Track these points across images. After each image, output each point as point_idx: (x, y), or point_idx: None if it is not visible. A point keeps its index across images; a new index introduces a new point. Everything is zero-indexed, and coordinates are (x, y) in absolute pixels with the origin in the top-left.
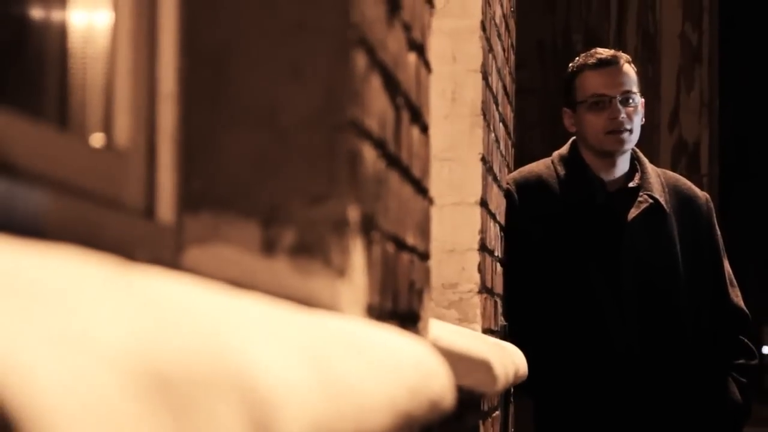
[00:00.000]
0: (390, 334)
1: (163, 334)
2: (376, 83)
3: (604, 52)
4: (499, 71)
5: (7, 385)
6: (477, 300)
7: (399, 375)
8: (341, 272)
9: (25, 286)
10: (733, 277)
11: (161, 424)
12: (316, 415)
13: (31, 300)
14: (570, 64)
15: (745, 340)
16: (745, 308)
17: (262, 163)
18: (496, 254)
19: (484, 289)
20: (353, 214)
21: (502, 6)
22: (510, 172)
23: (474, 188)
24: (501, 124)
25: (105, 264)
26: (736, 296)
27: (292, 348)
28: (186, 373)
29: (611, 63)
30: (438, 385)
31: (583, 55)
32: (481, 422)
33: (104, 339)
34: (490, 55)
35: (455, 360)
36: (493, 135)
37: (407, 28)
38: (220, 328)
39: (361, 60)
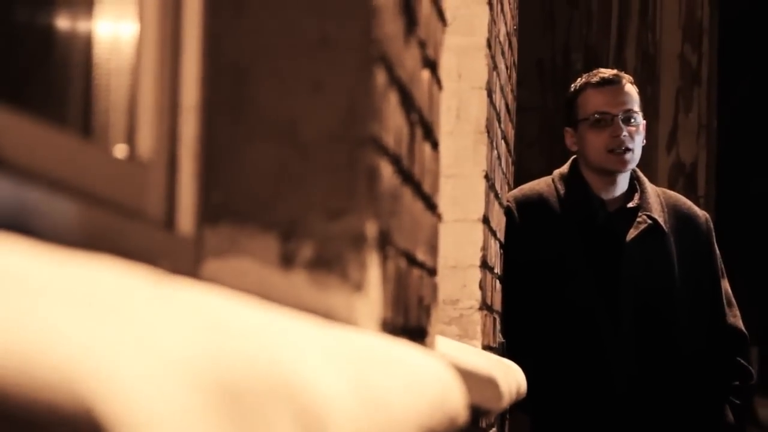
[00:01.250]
0: (411, 350)
1: (224, 345)
2: (393, 100)
3: (606, 72)
4: (502, 89)
5: (98, 395)
6: (478, 316)
7: (422, 390)
8: (358, 287)
9: (88, 296)
10: (732, 297)
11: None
12: (358, 427)
13: (102, 309)
14: (572, 84)
15: (742, 362)
16: (743, 329)
17: (282, 177)
18: (496, 271)
19: (485, 306)
20: (371, 229)
21: (506, 24)
22: (510, 189)
23: (477, 205)
24: (503, 142)
25: (146, 275)
26: (734, 317)
27: (335, 363)
28: (248, 385)
29: (614, 82)
30: (455, 401)
31: (586, 74)
32: None
33: (175, 349)
34: (495, 73)
35: (463, 376)
36: (495, 152)
37: (422, 45)
38: (272, 341)
39: (381, 76)
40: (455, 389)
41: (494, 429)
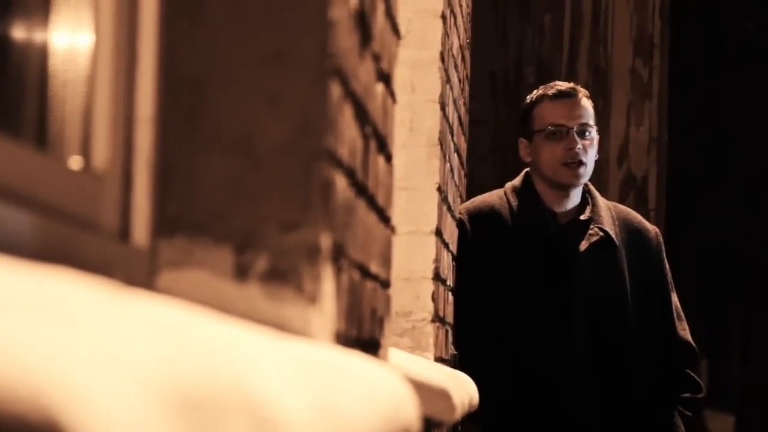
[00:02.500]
0: (365, 362)
1: (184, 357)
2: (348, 113)
3: (563, 85)
4: (455, 102)
5: (61, 406)
6: (430, 328)
7: (377, 402)
8: (312, 299)
9: (52, 307)
10: (681, 311)
11: None
12: None
13: (63, 321)
14: (527, 96)
15: (692, 374)
16: (692, 342)
17: (237, 190)
18: (448, 283)
19: (437, 318)
20: (325, 241)
21: (459, 37)
22: (462, 202)
23: (430, 217)
24: (456, 155)
25: (102, 286)
26: (684, 330)
27: (292, 375)
28: (208, 396)
29: (570, 95)
30: (408, 413)
31: (543, 86)
32: None
33: (134, 360)
34: (448, 86)
35: (416, 388)
36: (448, 165)
37: (377, 58)
38: (230, 353)
39: (336, 90)
40: (408, 401)
41: None
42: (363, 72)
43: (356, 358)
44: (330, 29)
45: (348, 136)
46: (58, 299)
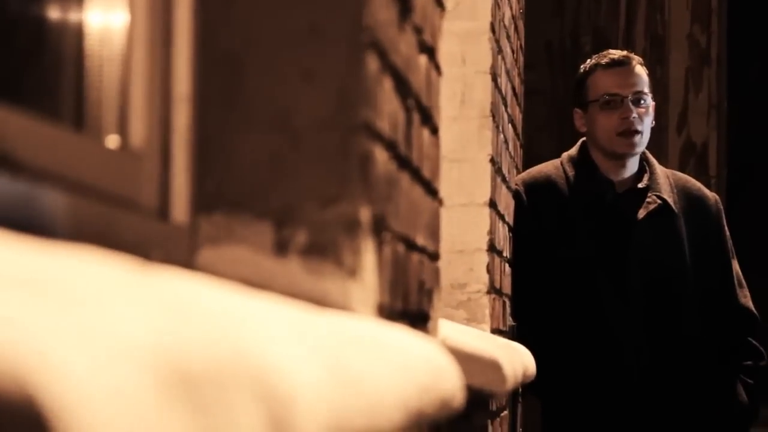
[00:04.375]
0: (401, 334)
1: (185, 332)
2: (387, 86)
3: (616, 53)
4: (508, 73)
5: (39, 382)
6: (486, 300)
7: (410, 373)
8: (352, 272)
9: (52, 285)
10: (741, 277)
11: (184, 420)
12: (332, 411)
13: (58, 298)
14: (582, 65)
15: (753, 342)
16: (753, 309)
17: (275, 165)
18: (504, 255)
19: (493, 290)
20: (365, 215)
21: (511, 8)
22: (519, 173)
23: (483, 189)
24: (510, 126)
25: (124, 263)
26: (745, 297)
27: (309, 347)
28: (207, 371)
29: (624, 63)
30: (448, 384)
31: (596, 56)
32: (489, 422)
33: (130, 336)
34: (500, 57)
35: (465, 359)
36: (502, 136)
37: (418, 30)
38: (239, 327)
39: (373, 63)
40: (450, 372)
41: (506, 411)
42: (403, 44)
43: (393, 330)
44: (365, 2)
45: (388, 109)
46: (67, 277)
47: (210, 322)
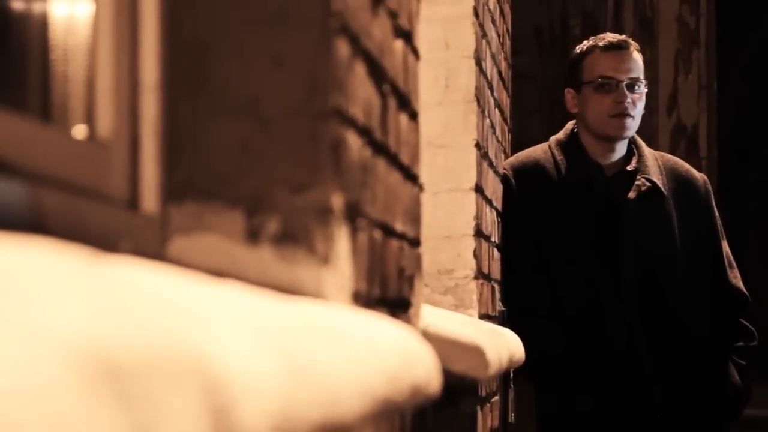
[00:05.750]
0: (372, 321)
1: (119, 323)
2: (360, 71)
3: (614, 37)
4: (494, 57)
5: None
6: (473, 286)
7: (378, 361)
8: (326, 260)
9: None
10: (732, 259)
11: (111, 415)
12: (283, 402)
13: None
14: (578, 46)
15: (745, 322)
16: (744, 290)
17: (246, 153)
18: (492, 240)
19: (481, 275)
20: (337, 201)
21: None
22: (507, 157)
23: (469, 174)
24: (497, 110)
25: (77, 255)
26: (735, 278)
27: (260, 336)
28: (140, 362)
29: (621, 47)
30: (422, 370)
31: (593, 37)
32: (479, 407)
33: (56, 329)
34: (484, 41)
35: (446, 345)
36: (488, 121)
37: (393, 15)
38: (184, 316)
39: (343, 48)
40: (424, 358)
41: (496, 397)
42: (377, 29)
43: (363, 318)
44: None
45: (361, 94)
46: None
47: (153, 312)
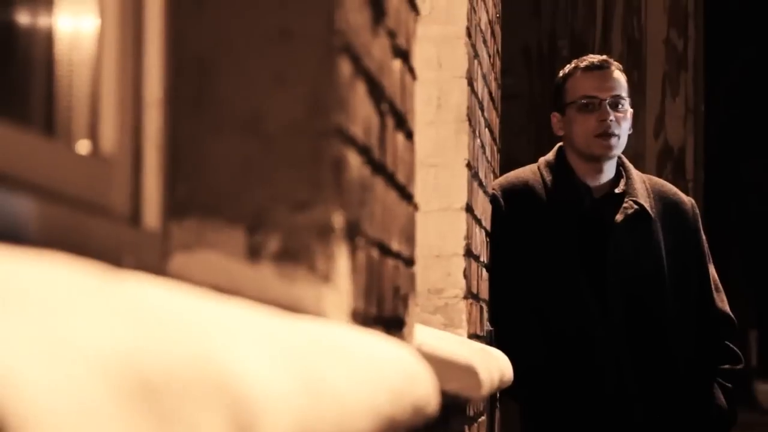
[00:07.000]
0: (374, 339)
1: (148, 340)
2: (360, 90)
3: (595, 57)
4: (484, 77)
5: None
6: (463, 305)
7: (382, 379)
8: (326, 278)
9: (13, 293)
10: (718, 282)
11: (145, 429)
12: (299, 419)
13: (18, 307)
14: (560, 70)
15: (731, 345)
16: (730, 313)
17: (247, 170)
18: (481, 260)
19: (470, 295)
20: (338, 220)
21: (487, 12)
22: (496, 177)
23: (459, 194)
24: (487, 130)
25: (91, 271)
26: (722, 301)
27: (276, 354)
28: (170, 379)
29: (602, 67)
30: (422, 389)
31: (576, 59)
32: (467, 427)
33: (90, 345)
34: (476, 61)
35: (440, 365)
36: (478, 141)
37: (392, 34)
38: (205, 334)
39: (345, 67)
40: (423, 378)
41: (483, 416)
42: (377, 48)
43: (365, 336)
44: (337, 6)
45: (362, 113)
46: (32, 284)
47: (176, 329)
